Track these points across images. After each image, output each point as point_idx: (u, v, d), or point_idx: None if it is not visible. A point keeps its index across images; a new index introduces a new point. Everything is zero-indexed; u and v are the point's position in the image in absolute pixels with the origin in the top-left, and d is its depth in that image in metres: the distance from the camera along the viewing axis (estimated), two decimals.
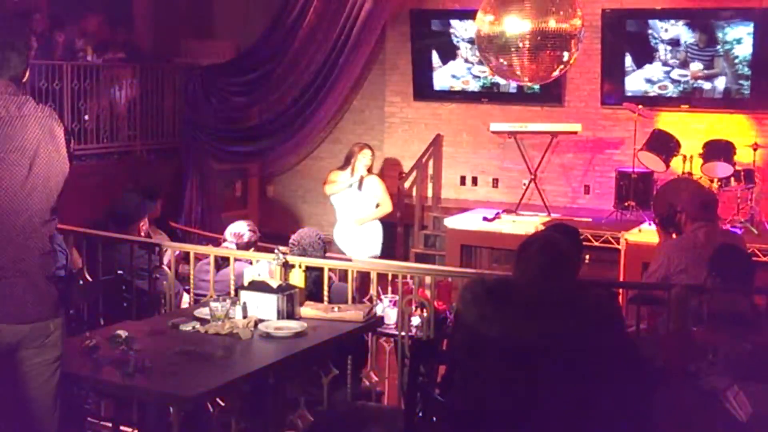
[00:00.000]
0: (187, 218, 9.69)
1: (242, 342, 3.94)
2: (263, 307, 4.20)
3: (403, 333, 4.75)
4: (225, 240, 5.69)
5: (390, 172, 10.67)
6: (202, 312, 4.22)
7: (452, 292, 5.38)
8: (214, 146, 9.82)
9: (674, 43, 9.21)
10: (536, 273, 2.95)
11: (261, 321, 4.14)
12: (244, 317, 4.16)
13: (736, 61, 9.01)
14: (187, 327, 4.09)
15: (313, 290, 4.70)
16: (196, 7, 10.66)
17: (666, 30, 9.22)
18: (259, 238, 5.71)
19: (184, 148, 9.90)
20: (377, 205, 7.94)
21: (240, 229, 5.68)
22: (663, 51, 9.26)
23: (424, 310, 4.77)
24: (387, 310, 4.96)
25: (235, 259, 5.02)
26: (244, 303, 4.20)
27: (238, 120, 9.98)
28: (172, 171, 9.90)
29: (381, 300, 5.02)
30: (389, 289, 5.24)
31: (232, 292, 4.78)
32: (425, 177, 10.21)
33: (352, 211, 7.90)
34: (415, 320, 4.82)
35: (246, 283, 4.39)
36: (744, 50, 8.95)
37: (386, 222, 9.81)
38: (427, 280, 4.97)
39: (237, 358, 3.80)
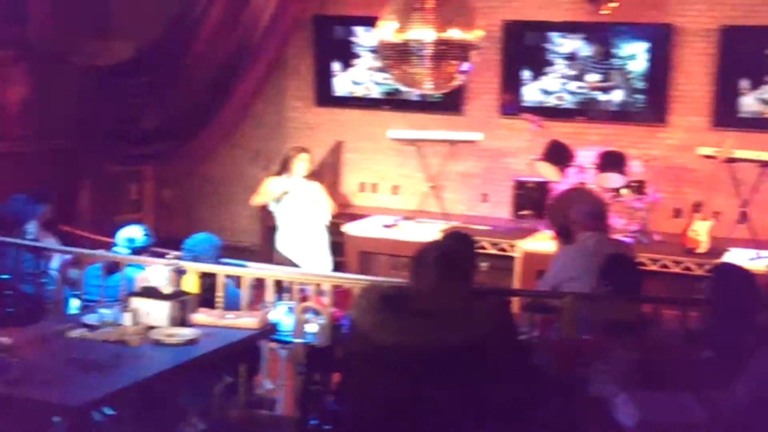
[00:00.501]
0: (79, 222, 9.42)
1: (132, 349, 3.85)
2: (154, 314, 4.11)
3: (298, 340, 4.71)
4: (116, 244, 5.54)
5: None
6: (91, 318, 4.10)
7: (349, 300, 5.37)
8: (110, 148, 9.58)
9: (571, 56, 9.42)
10: (431, 282, 2.96)
11: (152, 328, 4.04)
12: (135, 324, 4.06)
13: (631, 75, 9.26)
14: (74, 334, 3.97)
15: (208, 297, 4.62)
16: (94, 6, 10.38)
17: (562, 45, 9.42)
18: (152, 243, 5.56)
19: (79, 150, 9.62)
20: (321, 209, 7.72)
21: (131, 233, 5.52)
22: (560, 63, 9.45)
23: (321, 317, 4.73)
24: (283, 317, 4.91)
25: (128, 264, 4.90)
26: (135, 309, 4.10)
27: (135, 122, 9.75)
28: (65, 173, 9.61)
29: (277, 307, 4.96)
30: (286, 295, 5.19)
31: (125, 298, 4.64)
32: (325, 183, 10.16)
33: (298, 217, 7.68)
34: (312, 327, 4.78)
35: (138, 289, 4.28)
36: (638, 65, 9.20)
37: None
38: (324, 287, 4.94)
39: (126, 366, 3.70)
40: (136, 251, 5.38)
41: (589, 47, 9.32)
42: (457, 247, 3.10)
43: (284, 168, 7.69)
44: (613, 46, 9.26)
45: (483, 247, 8.30)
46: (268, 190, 7.62)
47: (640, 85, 9.23)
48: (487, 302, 2.99)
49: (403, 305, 2.98)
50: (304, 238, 7.73)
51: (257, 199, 7.67)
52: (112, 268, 5.14)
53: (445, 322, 2.88)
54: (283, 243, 7.89)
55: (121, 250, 5.41)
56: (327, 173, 10.17)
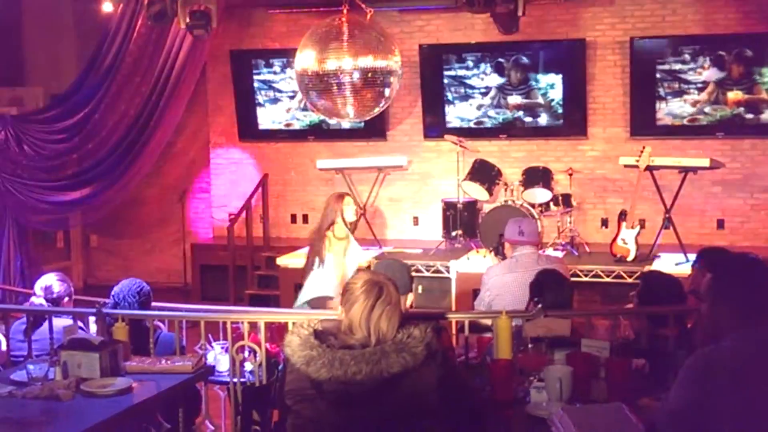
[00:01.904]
0: (5, 275, 9.21)
1: (64, 404, 3.75)
2: (85, 366, 4.01)
3: (235, 380, 4.66)
4: (34, 295, 5.38)
5: (219, 214, 10.54)
6: (19, 375, 3.99)
7: (286, 335, 5.33)
8: (31, 197, 9.39)
9: (489, 77, 9.54)
10: (361, 314, 2.95)
11: (84, 380, 3.95)
12: (65, 378, 3.96)
13: (549, 92, 9.42)
14: (1, 392, 3.86)
15: (140, 344, 4.54)
16: (5, 53, 10.22)
17: (480, 67, 9.55)
18: (72, 291, 5.40)
19: None
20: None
21: (49, 281, 5.35)
22: (480, 83, 9.58)
23: (257, 355, 4.69)
24: (219, 357, 4.85)
25: (55, 315, 4.79)
26: (64, 362, 4.01)
27: (56, 169, 9.58)
28: None
29: (212, 347, 4.90)
30: (221, 335, 5.13)
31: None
32: (255, 217, 10.13)
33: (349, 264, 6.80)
34: (248, 366, 4.73)
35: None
36: (556, 82, 9.36)
37: (220, 265, 9.68)
38: (259, 324, 4.90)
39: (59, 422, 3.61)
40: (54, 300, 5.23)
41: (506, 66, 9.46)
42: (384, 277, 3.08)
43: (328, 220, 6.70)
44: (529, 64, 9.42)
45: (417, 270, 8.35)
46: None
47: (558, 100, 9.40)
48: (419, 330, 2.99)
49: (335, 338, 2.98)
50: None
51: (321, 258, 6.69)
52: (38, 321, 5.02)
53: (377, 355, 2.87)
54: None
55: (40, 301, 5.26)
56: (255, 207, 10.14)
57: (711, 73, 8.92)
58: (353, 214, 6.80)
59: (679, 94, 9.05)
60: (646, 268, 7.36)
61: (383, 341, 2.93)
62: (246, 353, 4.71)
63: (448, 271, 8.41)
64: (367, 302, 2.97)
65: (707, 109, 9.01)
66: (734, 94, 8.89)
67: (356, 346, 2.94)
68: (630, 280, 8.01)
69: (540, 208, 8.78)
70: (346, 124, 9.66)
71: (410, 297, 4.04)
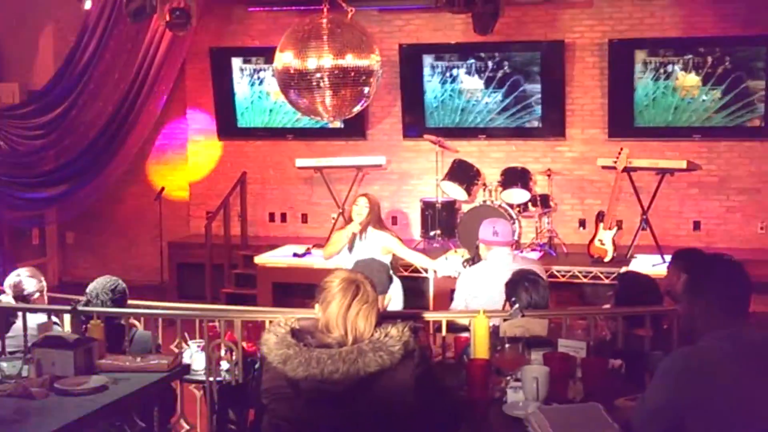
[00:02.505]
0: None
1: (37, 402, 3.71)
2: (60, 363, 3.98)
3: (211, 378, 4.63)
4: (3, 292, 5.31)
5: (197, 212, 10.49)
6: None
7: (262, 333, 5.31)
8: (7, 193, 9.30)
9: (468, 77, 9.55)
10: (337, 313, 2.94)
11: (58, 378, 3.91)
12: (39, 375, 3.92)
13: (528, 92, 9.43)
14: None
15: (116, 342, 4.51)
16: None
17: (460, 66, 9.55)
18: (44, 287, 5.34)
19: None
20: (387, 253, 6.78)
21: (18, 278, 5.28)
22: (459, 84, 9.59)
23: (233, 354, 4.67)
24: (195, 355, 4.82)
25: (28, 311, 4.75)
26: (38, 360, 3.97)
27: (32, 165, 9.50)
28: None
29: (188, 346, 4.87)
30: (197, 333, 5.10)
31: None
32: (233, 215, 10.09)
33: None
34: (225, 364, 4.70)
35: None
36: (534, 82, 9.38)
37: (197, 264, 9.63)
38: (236, 322, 4.87)
39: (32, 420, 3.57)
40: (24, 297, 5.16)
41: (486, 67, 9.47)
42: (360, 275, 3.07)
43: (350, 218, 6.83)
44: (508, 64, 9.43)
45: (395, 269, 8.32)
46: (338, 239, 6.81)
47: (537, 101, 9.42)
48: (397, 328, 2.98)
49: (312, 337, 2.96)
50: None
51: (328, 251, 6.88)
52: (10, 318, 4.97)
53: (353, 354, 2.86)
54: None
55: (7, 299, 5.20)
56: (233, 205, 10.10)
57: (688, 76, 8.97)
58: (356, 214, 6.74)
59: (657, 96, 9.10)
60: (623, 269, 7.39)
61: (360, 340, 2.92)
62: (222, 352, 4.69)
63: (426, 271, 8.40)
64: (343, 301, 2.96)
65: (684, 112, 9.06)
66: (711, 97, 8.94)
67: (333, 344, 2.93)
68: (607, 281, 8.06)
69: (518, 209, 8.80)
70: (324, 123, 9.64)
71: (388, 296, 4.03)
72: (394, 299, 5.99)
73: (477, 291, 5.25)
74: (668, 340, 4.36)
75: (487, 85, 9.53)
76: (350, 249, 6.65)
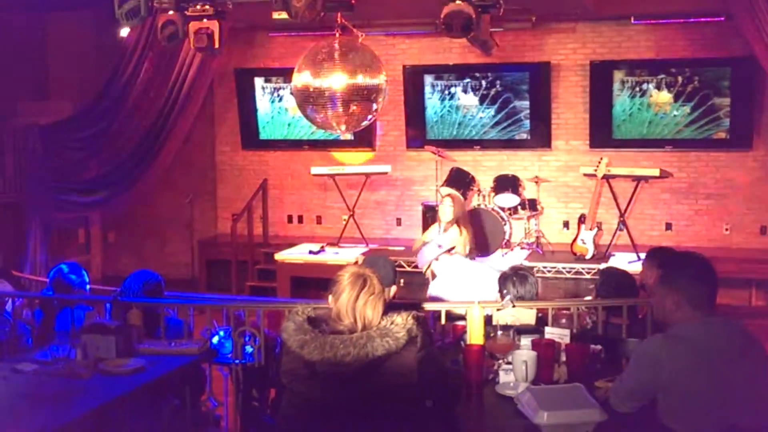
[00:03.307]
0: (31, 267, 9.15)
1: (83, 381, 3.73)
2: (103, 347, 4.00)
3: (237, 361, 4.64)
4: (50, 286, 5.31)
5: (224, 214, 10.50)
6: (43, 355, 3.97)
7: (282, 321, 5.32)
8: (55, 198, 9.34)
9: (466, 94, 9.55)
10: (347, 303, 2.95)
11: (102, 360, 3.93)
12: (85, 358, 3.94)
13: (518, 111, 9.43)
14: (27, 369, 3.83)
15: (153, 328, 4.53)
16: (33, 70, 10.16)
17: (457, 85, 9.56)
18: (85, 280, 5.32)
19: (26, 201, 9.37)
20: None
21: (59, 273, 5.26)
22: (457, 100, 9.59)
23: (257, 339, 4.68)
24: (222, 340, 4.84)
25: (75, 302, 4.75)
26: (84, 344, 3.98)
27: (77, 173, 9.53)
28: (14, 224, 9.36)
29: (216, 332, 4.88)
30: (224, 321, 5.12)
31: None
32: (255, 217, 10.11)
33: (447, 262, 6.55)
34: (249, 348, 4.72)
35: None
36: (524, 99, 9.38)
37: (224, 260, 9.64)
38: (259, 311, 4.89)
39: (78, 397, 3.59)
40: (65, 288, 5.16)
41: (480, 85, 9.48)
42: (368, 270, 3.08)
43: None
44: (501, 83, 9.43)
45: (400, 266, 8.34)
46: (426, 236, 6.91)
47: (526, 115, 9.41)
48: (402, 316, 2.99)
49: (326, 324, 2.97)
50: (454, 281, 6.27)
51: (417, 245, 7.06)
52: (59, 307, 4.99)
53: (363, 337, 2.87)
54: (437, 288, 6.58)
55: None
56: (256, 208, 10.12)
57: (661, 93, 8.95)
58: (443, 213, 6.68)
59: (633, 111, 9.08)
60: (603, 265, 7.38)
61: (369, 327, 2.93)
62: (246, 337, 4.70)
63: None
64: (352, 292, 2.97)
65: (658, 125, 9.05)
66: (682, 112, 8.92)
67: (345, 331, 2.94)
68: (588, 276, 8.06)
69: (509, 212, 8.80)
70: (337, 136, 9.66)
71: (393, 288, 4.03)
72: (445, 281, 5.83)
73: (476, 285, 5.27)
74: (643, 328, 4.37)
75: (481, 101, 9.52)
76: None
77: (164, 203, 10.65)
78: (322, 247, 9.13)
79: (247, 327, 4.70)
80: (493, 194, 8.84)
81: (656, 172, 8.44)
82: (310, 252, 9.01)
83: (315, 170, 9.49)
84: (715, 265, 3.04)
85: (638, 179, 8.49)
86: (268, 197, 10.36)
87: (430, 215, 9.10)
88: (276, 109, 10.21)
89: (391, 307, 3.14)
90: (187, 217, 10.26)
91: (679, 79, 8.87)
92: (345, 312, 2.96)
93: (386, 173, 9.50)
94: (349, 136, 9.66)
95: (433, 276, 6.17)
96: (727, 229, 9.11)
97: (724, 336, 2.88)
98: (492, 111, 9.52)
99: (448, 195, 6.85)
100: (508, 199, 8.79)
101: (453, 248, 6.62)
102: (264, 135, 10.31)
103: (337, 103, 6.60)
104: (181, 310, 5.07)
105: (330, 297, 3.05)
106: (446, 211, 6.65)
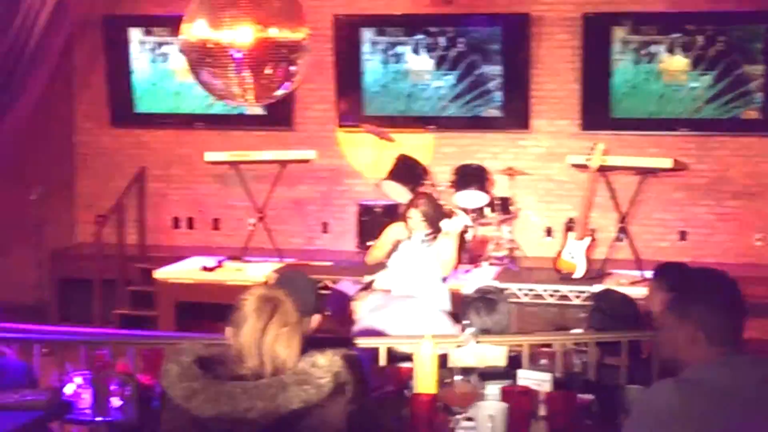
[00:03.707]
0: None
1: None
2: None
3: (99, 418, 4.57)
4: None
5: (85, 215, 10.36)
6: None
7: (163, 364, 5.26)
8: None
9: (418, 55, 9.59)
10: (251, 337, 2.92)
11: None
12: None
13: (486, 75, 9.50)
14: None
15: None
16: None
17: (404, 42, 9.59)
18: None
19: None
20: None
21: None
22: (405, 64, 9.62)
23: (127, 388, 4.61)
24: (80, 390, 4.75)
25: None
26: None
27: None
28: None
29: (71, 378, 4.80)
30: (83, 363, 5.04)
31: None
32: (129, 220, 10.00)
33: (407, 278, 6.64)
34: (116, 401, 4.64)
35: None
36: (494, 63, 9.45)
37: (84, 279, 9.50)
38: (131, 349, 4.83)
39: None
40: None
41: (436, 43, 9.52)
42: (281, 294, 3.06)
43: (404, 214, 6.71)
44: (463, 42, 9.49)
45: (326, 287, 8.32)
46: (386, 240, 6.71)
47: (497, 85, 9.49)
48: (326, 356, 2.97)
49: (223, 367, 2.94)
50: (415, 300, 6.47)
51: (373, 255, 6.89)
52: None
53: (274, 385, 2.85)
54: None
55: None
56: (129, 207, 10.00)
57: (675, 59, 9.11)
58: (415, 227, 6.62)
59: (638, 82, 9.22)
60: (597, 287, 7.48)
61: (281, 371, 2.91)
62: (113, 386, 4.63)
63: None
64: (258, 323, 2.94)
65: (670, 101, 9.19)
66: (701, 84, 9.08)
67: (249, 376, 2.91)
68: (577, 302, 8.15)
69: (473, 214, 8.85)
70: (243, 109, 9.60)
71: (316, 318, 4.02)
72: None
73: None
74: (648, 371, 4.42)
75: (438, 65, 9.58)
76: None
77: (2, 199, 10.44)
78: (221, 261, 9.07)
79: (113, 372, 4.62)
80: (452, 191, 8.89)
81: (668, 163, 8.59)
82: (204, 268, 8.94)
83: (211, 156, 9.42)
84: (743, 287, 3.08)
85: (644, 172, 8.63)
86: (147, 193, 10.26)
87: (367, 219, 9.11)
88: (159, 72, 10.12)
89: (312, 343, 3.13)
90: (33, 218, 10.07)
91: (699, 39, 9.03)
92: (248, 350, 2.94)
93: (309, 161, 9.47)
94: (258, 111, 9.61)
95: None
96: (759, 240, 9.31)
97: (753, 380, 2.91)
98: (452, 79, 9.57)
99: (413, 204, 6.78)
100: (473, 198, 8.85)
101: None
102: (142, 107, 10.22)
103: (244, 64, 6.58)
104: (22, 348, 4.98)
105: (229, 330, 3.02)
106: (418, 226, 6.62)
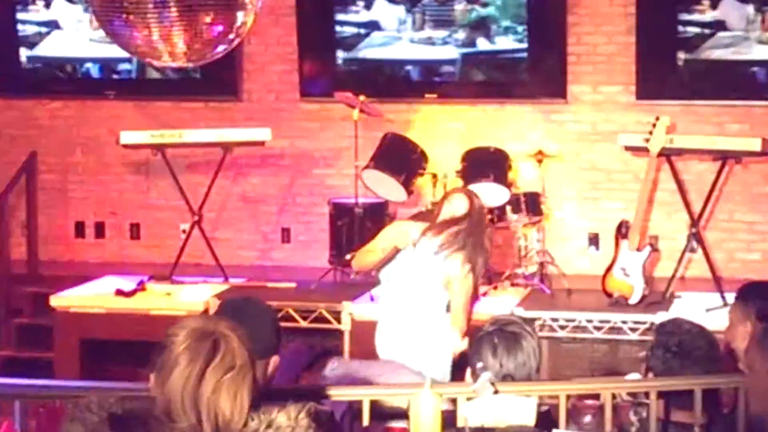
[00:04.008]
0: None
1: None
2: None
3: None
4: None
5: None
6: None
7: (64, 424, 5.27)
8: None
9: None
10: (183, 388, 2.93)
11: None
12: None
13: (505, 31, 9.51)
14: None
15: None
16: None
17: None
18: None
19: None
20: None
21: None
22: (392, 9, 9.62)
23: None
24: None
25: None
26: None
27: None
28: None
29: None
30: None
31: None
32: (14, 225, 9.99)
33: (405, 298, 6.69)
34: None
35: None
36: (517, 15, 9.48)
37: None
38: (16, 403, 4.84)
39: None
40: None
41: None
42: (230, 328, 3.06)
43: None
44: None
45: (287, 317, 8.33)
46: (382, 244, 6.67)
47: (521, 39, 9.52)
48: (288, 413, 2.99)
49: (146, 429, 2.95)
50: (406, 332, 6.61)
51: (362, 260, 6.98)
52: None
53: None
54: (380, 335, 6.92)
55: None
56: (14, 210, 9.99)
57: None
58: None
59: (717, 30, 9.25)
60: (659, 316, 7.49)
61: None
62: None
63: (339, 320, 8.42)
64: (192, 367, 2.93)
65: (760, 56, 9.23)
66: None
67: None
68: (633, 336, 8.16)
69: (490, 216, 8.85)
70: (171, 73, 9.60)
71: (275, 360, 4.03)
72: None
73: None
74: (731, 430, 4.43)
75: (436, 14, 9.58)
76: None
77: None
78: (142, 283, 9.05)
79: None
80: (461, 183, 8.89)
81: (757, 145, 8.57)
82: (119, 293, 8.92)
83: (128, 138, 9.40)
84: None
85: (724, 157, 8.63)
86: (39, 188, 10.25)
87: (344, 223, 9.10)
88: (52, 24, 10.10)
89: (269, 395, 3.14)
90: None
91: None
92: (180, 405, 2.94)
93: (263, 143, 9.47)
94: (192, 74, 9.61)
95: None
96: None
97: None
98: (459, 31, 9.59)
99: (462, 191, 6.87)
100: (489, 193, 8.85)
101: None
102: (31, 69, 10.23)
103: (171, 9, 6.59)
104: None
105: (153, 377, 3.02)
106: (459, 207, 6.70)
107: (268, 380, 3.95)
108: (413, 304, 6.51)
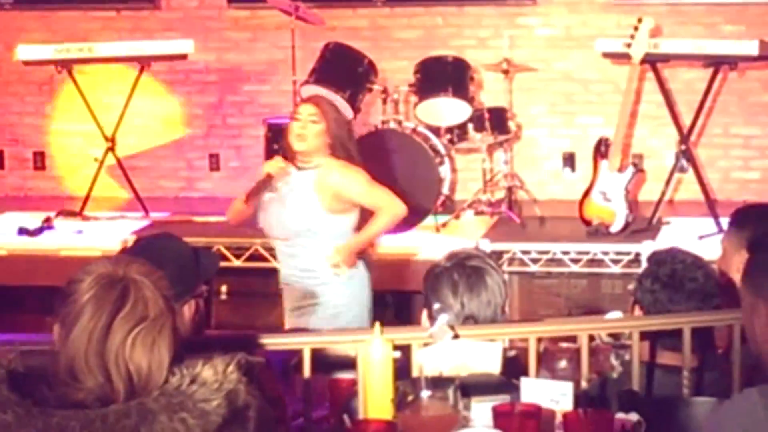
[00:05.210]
0: None
1: None
2: None
3: None
4: None
5: None
6: None
7: None
8: None
9: None
10: (88, 342, 2.92)
11: None
12: None
13: None
14: None
15: None
16: None
17: None
18: None
19: None
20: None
21: None
22: None
23: None
24: None
25: None
26: None
27: None
28: None
29: None
30: None
31: None
32: None
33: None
34: None
35: None
36: None
37: None
38: None
39: None
40: None
41: None
42: (146, 272, 3.05)
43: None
44: None
45: (223, 257, 8.32)
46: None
47: None
48: (215, 366, 2.98)
49: (50, 388, 2.94)
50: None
51: (234, 208, 6.80)
52: None
53: (131, 414, 2.85)
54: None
55: None
56: None
57: None
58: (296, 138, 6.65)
59: None
60: (645, 245, 7.53)
61: (142, 391, 2.91)
62: None
63: (276, 256, 8.43)
64: (98, 319, 2.92)
65: None
66: None
67: (89, 401, 2.91)
68: (615, 269, 8.21)
69: (449, 136, 8.87)
70: None
71: (193, 304, 4.03)
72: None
73: None
74: (725, 374, 4.46)
75: None
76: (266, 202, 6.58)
77: None
78: (49, 219, 9.03)
79: None
80: (414, 99, 8.90)
81: (753, 49, 8.61)
82: (22, 231, 8.92)
83: (27, 52, 9.36)
84: None
85: (716, 63, 8.66)
86: None
87: (282, 146, 9.10)
88: None
89: (192, 346, 3.14)
90: None
91: None
92: (84, 361, 2.93)
93: (185, 57, 9.45)
94: None
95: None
96: None
97: None
98: None
99: (310, 100, 6.84)
100: (448, 110, 8.86)
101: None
102: None
103: None
104: None
105: (56, 329, 3.01)
106: (305, 135, 6.64)
107: (190, 329, 3.95)
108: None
